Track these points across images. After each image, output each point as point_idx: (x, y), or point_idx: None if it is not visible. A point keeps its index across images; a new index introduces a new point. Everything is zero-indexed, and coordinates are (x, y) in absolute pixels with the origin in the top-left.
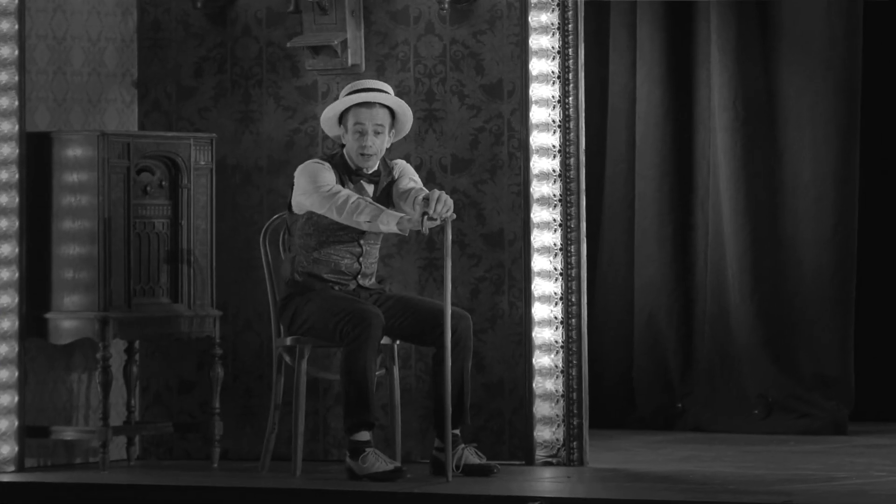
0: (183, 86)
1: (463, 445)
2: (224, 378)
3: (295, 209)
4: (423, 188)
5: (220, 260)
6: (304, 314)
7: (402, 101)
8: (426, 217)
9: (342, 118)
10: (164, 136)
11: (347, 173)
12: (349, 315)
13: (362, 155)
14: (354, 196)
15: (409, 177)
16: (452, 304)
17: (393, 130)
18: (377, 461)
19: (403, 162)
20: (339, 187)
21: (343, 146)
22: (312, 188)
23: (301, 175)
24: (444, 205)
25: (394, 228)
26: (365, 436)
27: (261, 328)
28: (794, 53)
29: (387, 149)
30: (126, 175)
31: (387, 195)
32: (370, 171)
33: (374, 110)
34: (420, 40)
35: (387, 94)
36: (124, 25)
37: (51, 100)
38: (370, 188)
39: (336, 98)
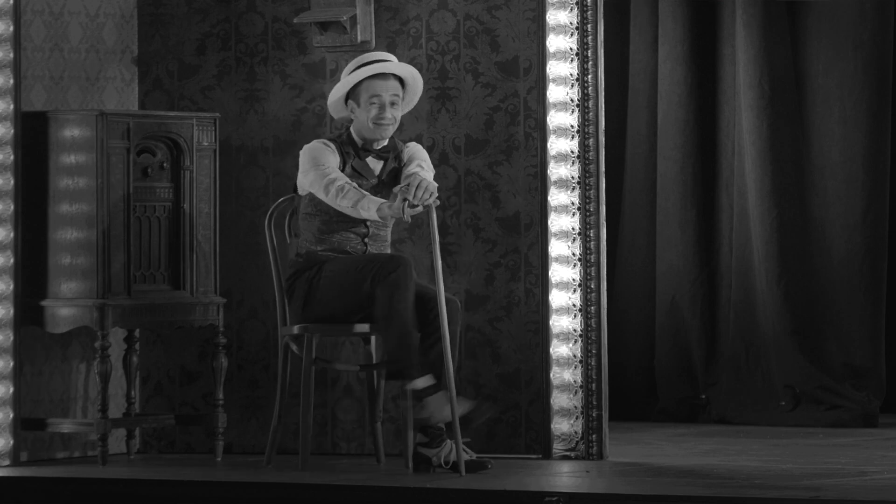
0: (185, 63)
1: (450, 440)
2: (228, 368)
3: (299, 189)
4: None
5: (223, 245)
6: (323, 284)
7: (414, 69)
8: (406, 203)
9: (349, 95)
10: (165, 115)
11: (355, 150)
12: (378, 263)
13: (379, 125)
14: (343, 180)
15: (416, 162)
16: (458, 291)
17: (402, 102)
18: (443, 407)
19: (415, 144)
20: (336, 170)
21: (348, 126)
22: (311, 167)
23: (304, 154)
24: (426, 191)
25: (374, 215)
26: (421, 383)
27: (266, 316)
28: (823, 29)
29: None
30: (126, 156)
31: (394, 176)
32: (380, 147)
33: (389, 81)
34: (432, 16)
35: (399, 64)
36: (124, 0)
37: (47, 78)
38: (377, 165)
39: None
